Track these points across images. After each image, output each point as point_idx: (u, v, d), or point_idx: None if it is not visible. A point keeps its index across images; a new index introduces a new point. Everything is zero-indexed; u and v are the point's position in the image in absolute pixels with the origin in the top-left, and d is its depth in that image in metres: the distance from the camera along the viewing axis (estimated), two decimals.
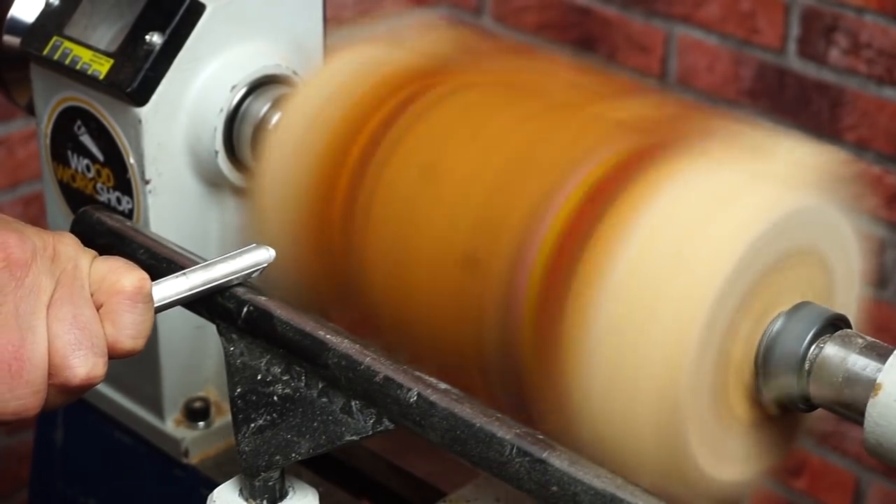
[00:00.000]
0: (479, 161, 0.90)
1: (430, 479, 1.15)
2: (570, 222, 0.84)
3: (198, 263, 0.86)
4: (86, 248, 0.78)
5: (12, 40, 1.13)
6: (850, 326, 0.84)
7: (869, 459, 1.56)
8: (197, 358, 1.14)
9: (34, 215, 1.82)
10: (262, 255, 0.85)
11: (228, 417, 1.13)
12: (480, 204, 0.88)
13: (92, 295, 0.76)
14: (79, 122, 1.09)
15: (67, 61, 1.06)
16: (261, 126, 1.06)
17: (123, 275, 0.77)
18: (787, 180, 0.84)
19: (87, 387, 0.75)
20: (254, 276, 0.85)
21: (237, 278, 0.85)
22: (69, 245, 0.77)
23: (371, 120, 0.95)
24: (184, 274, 0.83)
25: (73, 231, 0.96)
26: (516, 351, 0.86)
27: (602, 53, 2.05)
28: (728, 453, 0.85)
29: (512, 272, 0.85)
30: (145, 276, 0.78)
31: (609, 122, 0.90)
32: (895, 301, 1.80)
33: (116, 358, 0.77)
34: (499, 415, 0.76)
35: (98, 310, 0.76)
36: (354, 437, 0.81)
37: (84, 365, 0.74)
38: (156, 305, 0.79)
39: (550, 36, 2.11)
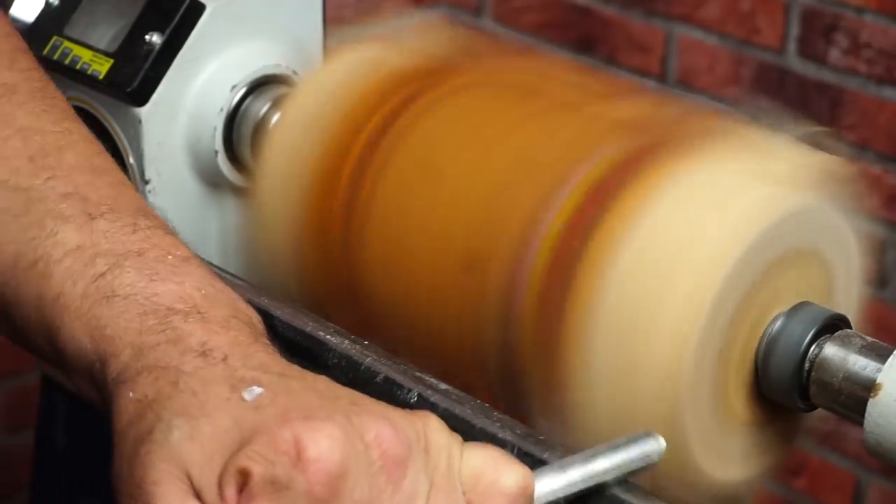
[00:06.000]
0: (479, 161, 0.90)
1: None
2: (570, 222, 0.84)
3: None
4: (453, 434, 0.64)
5: None
6: (849, 326, 0.84)
7: (869, 459, 1.56)
8: None
9: None
10: (653, 446, 0.71)
11: None
12: (480, 204, 0.88)
13: (464, 494, 0.62)
14: None
15: (67, 61, 1.06)
16: (261, 126, 1.06)
17: (504, 472, 0.63)
18: (786, 180, 0.84)
19: None
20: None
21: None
22: (439, 431, 0.63)
23: (371, 120, 0.95)
24: (562, 468, 0.69)
25: None
26: (516, 351, 0.86)
27: (602, 53, 2.05)
28: (728, 453, 0.85)
29: (512, 272, 0.85)
30: (528, 472, 0.64)
31: (609, 122, 0.90)
32: (895, 301, 1.80)
33: None
34: (499, 415, 0.76)
35: None
36: None
37: None
38: None
39: (550, 36, 2.11)
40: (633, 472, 0.71)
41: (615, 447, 0.71)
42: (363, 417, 0.60)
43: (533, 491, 0.64)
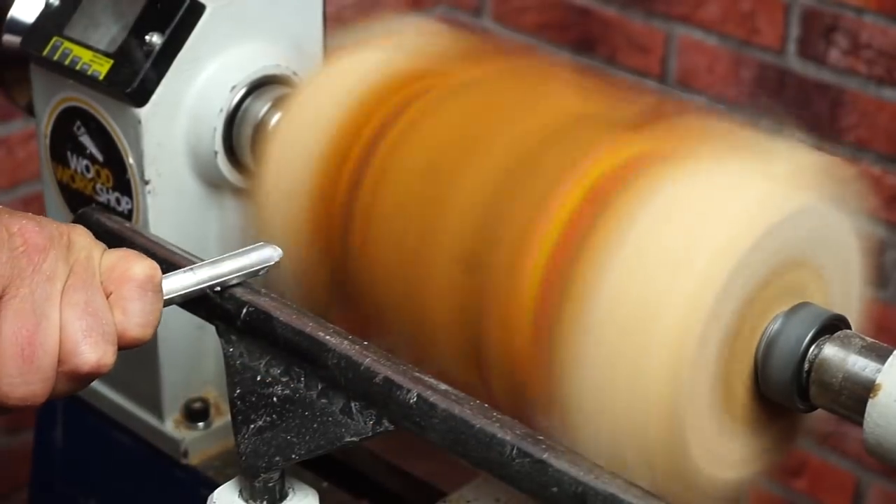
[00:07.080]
0: (479, 161, 0.90)
1: (430, 480, 1.15)
2: (570, 222, 0.84)
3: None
4: (97, 241, 0.78)
5: (12, 40, 1.13)
6: (849, 327, 0.84)
7: (869, 460, 1.56)
8: (197, 358, 1.14)
9: None
10: (269, 253, 0.85)
11: (228, 418, 1.12)
12: (481, 204, 0.88)
13: (102, 283, 0.76)
14: (78, 123, 1.09)
15: (67, 61, 1.06)
16: (260, 126, 1.06)
17: (134, 263, 0.77)
18: (786, 181, 0.84)
19: (96, 375, 0.75)
20: (261, 273, 0.85)
21: (244, 276, 0.84)
22: (83, 235, 0.77)
23: (371, 121, 0.95)
24: (191, 269, 0.83)
25: None
26: (516, 351, 0.86)
27: (602, 54, 2.05)
28: (728, 453, 0.85)
29: (512, 272, 0.85)
30: (156, 265, 0.78)
31: (609, 122, 0.90)
32: (895, 301, 1.80)
33: (125, 347, 0.77)
34: (499, 415, 0.76)
35: (108, 298, 0.76)
36: (354, 439, 0.81)
37: (95, 352, 0.74)
38: (163, 299, 0.79)
39: (550, 36, 2.11)
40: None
41: (239, 254, 0.84)
42: (15, 217, 0.75)
43: (160, 280, 0.78)
